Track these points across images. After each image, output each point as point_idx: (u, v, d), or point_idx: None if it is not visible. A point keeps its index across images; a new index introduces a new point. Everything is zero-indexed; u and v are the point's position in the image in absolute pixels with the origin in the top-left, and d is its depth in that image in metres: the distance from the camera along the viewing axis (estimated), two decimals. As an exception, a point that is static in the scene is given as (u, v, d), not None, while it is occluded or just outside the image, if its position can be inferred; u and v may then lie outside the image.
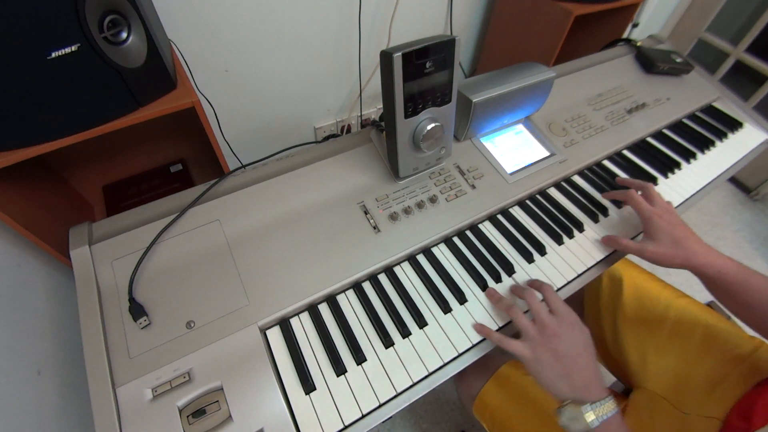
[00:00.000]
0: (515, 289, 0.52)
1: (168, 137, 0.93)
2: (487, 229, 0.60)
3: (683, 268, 0.51)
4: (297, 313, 0.50)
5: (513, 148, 0.68)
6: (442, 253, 0.57)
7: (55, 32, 0.47)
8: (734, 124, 0.84)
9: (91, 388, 0.41)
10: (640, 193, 0.59)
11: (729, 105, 0.89)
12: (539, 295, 0.49)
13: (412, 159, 0.57)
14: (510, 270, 0.55)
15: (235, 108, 1.11)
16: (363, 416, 0.43)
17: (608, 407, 0.40)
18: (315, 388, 0.44)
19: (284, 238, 0.53)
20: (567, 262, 0.58)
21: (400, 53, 0.44)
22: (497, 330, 0.50)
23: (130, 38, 0.54)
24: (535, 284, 0.51)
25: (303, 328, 0.49)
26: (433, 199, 0.59)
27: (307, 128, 1.32)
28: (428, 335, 0.49)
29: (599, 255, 0.59)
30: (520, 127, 0.72)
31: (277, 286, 0.50)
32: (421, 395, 0.45)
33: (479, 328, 0.48)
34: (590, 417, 0.39)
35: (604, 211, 0.64)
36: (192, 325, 0.46)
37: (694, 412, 0.57)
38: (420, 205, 0.59)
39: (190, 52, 0.84)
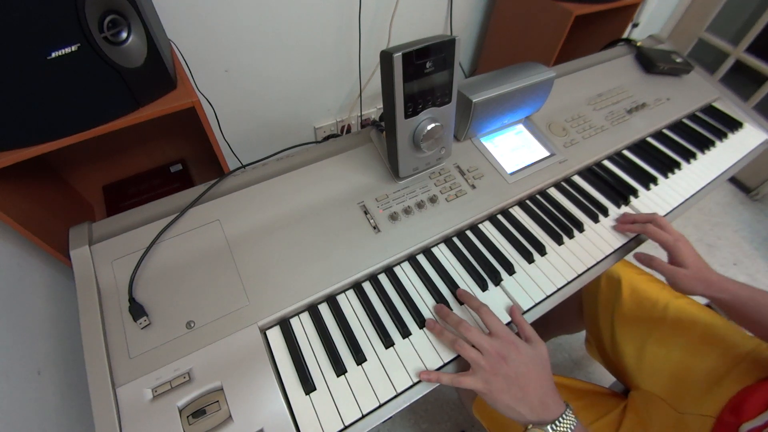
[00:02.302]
0: (448, 317, 0.48)
1: (168, 137, 0.93)
2: (487, 229, 0.60)
3: (701, 294, 0.54)
4: (297, 313, 0.50)
5: (513, 148, 0.68)
6: (442, 253, 0.57)
7: (55, 32, 0.47)
8: (734, 124, 0.84)
9: (91, 388, 0.40)
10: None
11: (729, 105, 0.89)
12: (476, 316, 0.49)
13: (412, 159, 0.57)
14: (510, 270, 0.55)
15: (235, 108, 1.11)
16: (363, 416, 0.43)
17: (569, 422, 0.41)
18: (315, 388, 0.44)
19: (284, 238, 0.53)
20: (567, 262, 0.58)
21: (400, 53, 0.44)
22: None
23: (130, 38, 0.54)
24: (472, 304, 0.49)
25: (303, 328, 0.49)
26: (433, 199, 0.59)
27: (307, 128, 1.32)
28: (429, 335, 0.49)
29: (599, 255, 0.59)
30: (520, 127, 0.72)
31: (277, 286, 0.50)
32: (421, 395, 0.45)
33: (426, 375, 0.45)
34: None
35: (604, 211, 0.64)
36: (192, 325, 0.46)
37: (690, 411, 0.57)
38: (420, 205, 0.59)
39: (190, 52, 0.84)
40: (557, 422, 0.41)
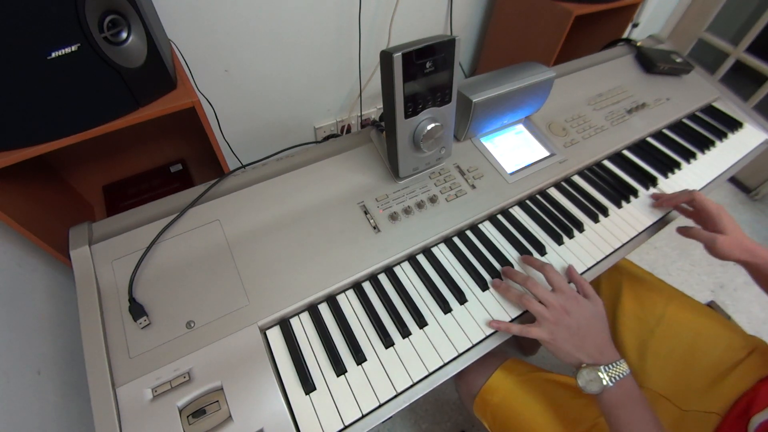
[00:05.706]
0: (515, 276, 0.53)
1: (168, 137, 0.93)
2: (487, 229, 0.60)
3: (738, 259, 0.56)
4: (297, 313, 0.50)
5: (513, 148, 0.68)
6: (442, 253, 0.57)
7: (55, 32, 0.47)
8: (734, 124, 0.84)
9: (91, 388, 0.41)
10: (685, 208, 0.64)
11: (729, 105, 0.89)
12: (539, 274, 0.53)
13: (412, 159, 0.57)
14: (510, 270, 0.55)
15: (235, 108, 1.11)
16: (363, 416, 0.43)
17: (621, 369, 0.45)
18: (315, 388, 0.44)
19: (284, 238, 0.53)
20: (567, 262, 0.58)
21: (400, 53, 0.44)
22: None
23: (130, 38, 0.54)
24: (535, 264, 0.54)
25: (303, 328, 0.49)
26: (433, 199, 0.59)
27: (307, 128, 1.32)
28: (428, 335, 0.49)
29: (599, 255, 0.59)
30: (520, 127, 0.72)
31: (277, 286, 0.50)
32: (421, 395, 0.45)
33: (496, 324, 0.50)
34: (605, 378, 0.44)
35: (604, 211, 0.64)
36: (192, 325, 0.46)
37: (693, 408, 0.57)
38: (420, 205, 0.59)
39: (190, 52, 0.84)
40: (611, 365, 0.45)
